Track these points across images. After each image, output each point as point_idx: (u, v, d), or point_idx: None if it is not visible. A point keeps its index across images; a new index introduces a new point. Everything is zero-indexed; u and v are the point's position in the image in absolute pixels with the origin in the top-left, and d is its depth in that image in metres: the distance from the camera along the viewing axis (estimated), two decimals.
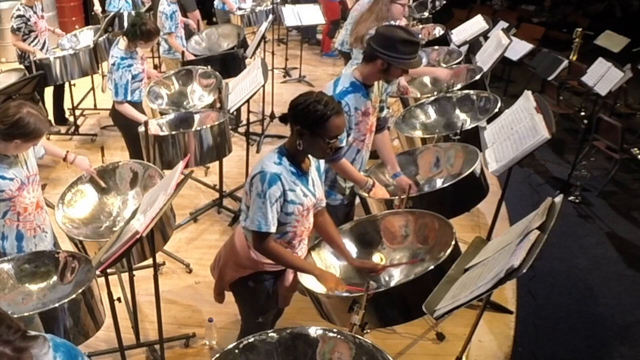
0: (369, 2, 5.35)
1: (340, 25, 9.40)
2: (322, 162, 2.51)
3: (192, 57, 5.47)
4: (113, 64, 4.02)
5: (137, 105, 4.17)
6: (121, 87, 3.99)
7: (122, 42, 4.05)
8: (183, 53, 5.45)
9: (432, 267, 2.28)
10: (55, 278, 2.48)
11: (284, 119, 2.33)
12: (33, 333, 1.35)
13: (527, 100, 3.24)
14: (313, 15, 7.10)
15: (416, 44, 2.79)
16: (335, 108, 2.22)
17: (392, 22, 4.05)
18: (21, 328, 1.29)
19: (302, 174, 2.34)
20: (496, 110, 3.81)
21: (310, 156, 2.37)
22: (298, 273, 2.52)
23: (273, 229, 2.29)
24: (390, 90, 4.60)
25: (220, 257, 2.63)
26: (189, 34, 6.20)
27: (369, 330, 2.28)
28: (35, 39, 5.28)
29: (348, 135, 2.93)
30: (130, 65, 4.02)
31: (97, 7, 7.34)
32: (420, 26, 6.77)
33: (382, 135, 3.23)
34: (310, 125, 2.21)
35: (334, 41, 8.95)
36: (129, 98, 4.05)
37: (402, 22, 4.24)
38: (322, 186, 2.53)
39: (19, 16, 5.13)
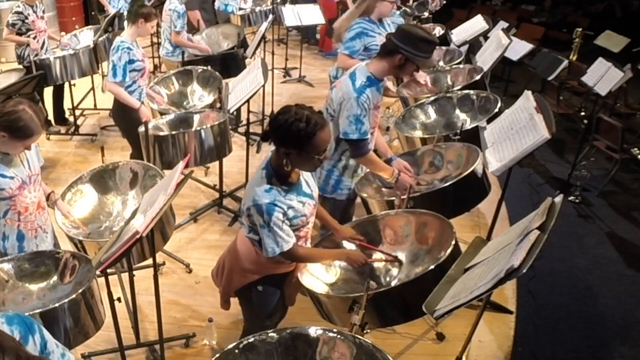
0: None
1: None
2: None
3: (208, 51, 5.59)
4: (113, 49, 4.05)
5: None
6: (119, 68, 4.00)
7: (125, 31, 4.14)
8: (183, 53, 5.44)
9: (432, 267, 2.28)
10: (55, 278, 2.47)
11: (265, 137, 2.26)
12: (37, 356, 1.35)
13: (527, 100, 3.24)
14: (313, 15, 7.10)
15: (435, 44, 2.87)
16: (318, 123, 2.16)
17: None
18: (30, 356, 1.28)
19: (294, 184, 2.33)
20: (496, 110, 3.81)
21: None
22: (298, 273, 2.52)
23: (291, 243, 2.30)
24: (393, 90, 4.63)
25: (224, 264, 2.62)
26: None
27: (369, 330, 2.28)
28: (34, 39, 5.27)
29: None
30: (130, 49, 4.06)
31: (110, 9, 7.05)
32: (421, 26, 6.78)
33: None
34: (296, 146, 2.16)
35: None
36: (126, 80, 4.06)
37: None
38: (315, 179, 2.54)
39: (17, 12, 5.15)
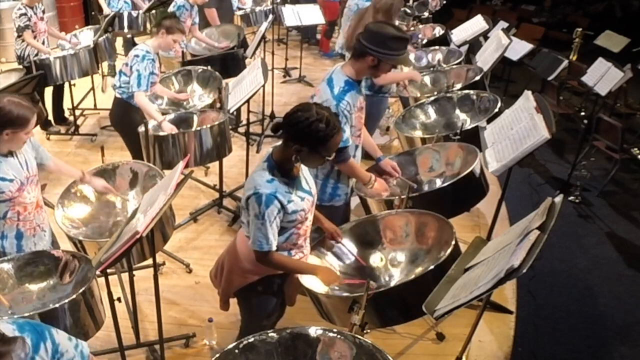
0: (356, 3, 5.40)
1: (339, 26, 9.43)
2: None
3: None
4: (137, 56, 4.00)
5: (139, 109, 4.15)
6: (144, 78, 3.99)
7: (150, 41, 4.12)
8: (183, 53, 5.44)
9: (432, 267, 2.28)
10: (55, 278, 2.47)
11: (276, 129, 2.26)
12: (11, 335, 1.35)
13: (527, 100, 3.25)
14: (313, 16, 7.09)
15: (406, 40, 2.81)
16: (336, 126, 2.19)
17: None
18: (4, 338, 1.29)
19: (294, 179, 2.33)
20: (496, 110, 3.82)
21: None
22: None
23: (274, 246, 2.29)
24: (394, 90, 4.63)
25: (224, 265, 2.61)
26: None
27: (369, 330, 2.28)
28: (34, 39, 5.27)
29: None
30: (154, 60, 4.08)
31: (106, 11, 6.96)
32: (421, 26, 6.78)
33: None
34: (311, 144, 2.18)
35: (333, 41, 8.97)
36: (148, 91, 4.07)
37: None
38: (312, 178, 2.53)
39: (22, 15, 5.13)
